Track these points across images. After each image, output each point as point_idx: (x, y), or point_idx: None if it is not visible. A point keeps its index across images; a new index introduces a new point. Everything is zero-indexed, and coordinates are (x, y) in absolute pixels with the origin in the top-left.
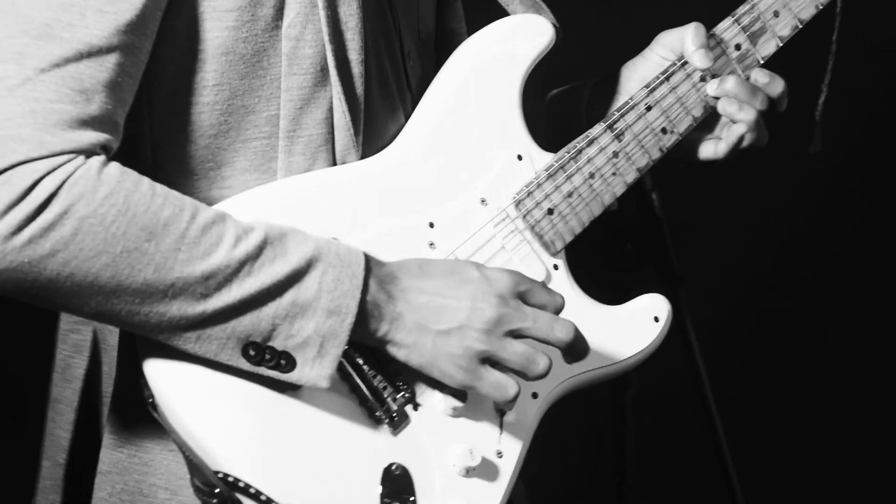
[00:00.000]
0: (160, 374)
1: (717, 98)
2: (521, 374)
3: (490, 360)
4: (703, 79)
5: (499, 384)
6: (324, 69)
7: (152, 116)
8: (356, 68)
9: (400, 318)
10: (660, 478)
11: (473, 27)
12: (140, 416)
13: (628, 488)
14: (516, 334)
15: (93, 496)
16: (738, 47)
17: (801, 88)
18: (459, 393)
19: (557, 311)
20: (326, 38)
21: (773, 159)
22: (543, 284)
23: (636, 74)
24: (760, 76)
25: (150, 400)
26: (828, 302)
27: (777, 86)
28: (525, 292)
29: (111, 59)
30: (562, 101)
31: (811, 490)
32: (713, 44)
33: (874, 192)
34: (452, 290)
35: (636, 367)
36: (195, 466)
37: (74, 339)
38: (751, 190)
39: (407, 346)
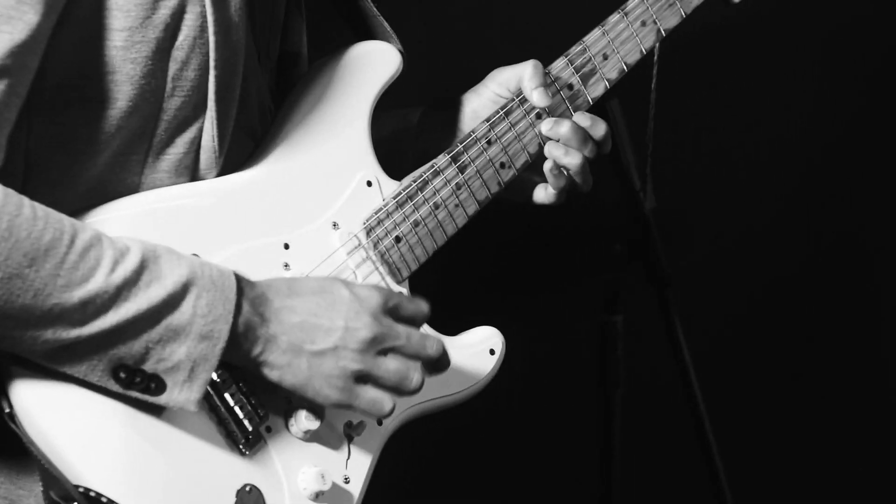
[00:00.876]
0: (23, 383)
1: (548, 138)
2: (395, 390)
3: (365, 379)
4: (538, 116)
5: (374, 401)
6: (202, 92)
7: (31, 131)
8: (234, 93)
9: (273, 339)
10: (648, 477)
11: (320, 47)
12: None
13: (616, 488)
14: (389, 352)
15: None
16: (570, 87)
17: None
18: (317, 409)
19: (424, 319)
20: (212, 62)
21: (764, 160)
22: (409, 296)
23: (468, 108)
24: (582, 119)
25: (8, 411)
26: (818, 302)
27: (599, 129)
28: (394, 307)
29: (3, 82)
30: (389, 127)
31: (800, 490)
32: (549, 82)
33: (865, 193)
34: (325, 311)
35: (624, 368)
36: (52, 478)
37: None
38: (741, 190)
39: (280, 367)
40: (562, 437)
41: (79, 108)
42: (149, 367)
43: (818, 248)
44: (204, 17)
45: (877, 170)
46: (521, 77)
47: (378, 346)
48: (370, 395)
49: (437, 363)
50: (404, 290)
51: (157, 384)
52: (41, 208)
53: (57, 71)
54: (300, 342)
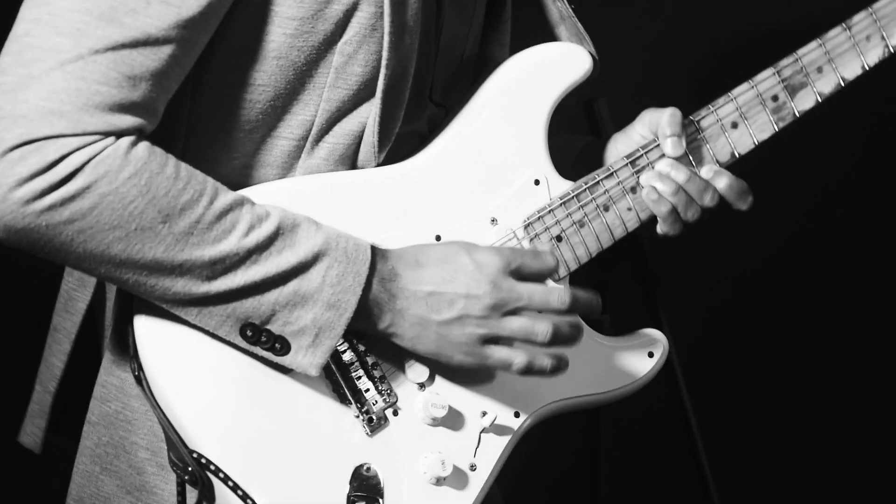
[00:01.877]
0: (152, 345)
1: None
2: (527, 345)
3: (494, 340)
4: (734, 125)
5: (504, 359)
6: (368, 87)
7: (193, 102)
8: (403, 94)
9: (401, 313)
10: (634, 476)
11: (519, 48)
12: (129, 372)
13: (603, 486)
14: (515, 312)
15: (80, 442)
16: (774, 98)
17: None
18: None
19: (550, 273)
20: (385, 62)
21: (752, 159)
22: (533, 253)
23: (614, 149)
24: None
25: (136, 374)
26: (803, 301)
27: (722, 181)
28: (517, 269)
29: (165, 51)
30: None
31: (787, 491)
32: (690, 131)
33: (851, 194)
34: (448, 282)
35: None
36: (172, 442)
37: (80, 273)
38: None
39: (411, 338)
40: (548, 435)
41: (241, 89)
42: (275, 328)
43: (804, 247)
44: (377, 17)
45: (861, 170)
46: (659, 124)
47: (501, 310)
48: (500, 353)
49: (574, 307)
50: (561, 287)
51: (282, 345)
52: (186, 168)
53: (225, 49)
54: (426, 314)
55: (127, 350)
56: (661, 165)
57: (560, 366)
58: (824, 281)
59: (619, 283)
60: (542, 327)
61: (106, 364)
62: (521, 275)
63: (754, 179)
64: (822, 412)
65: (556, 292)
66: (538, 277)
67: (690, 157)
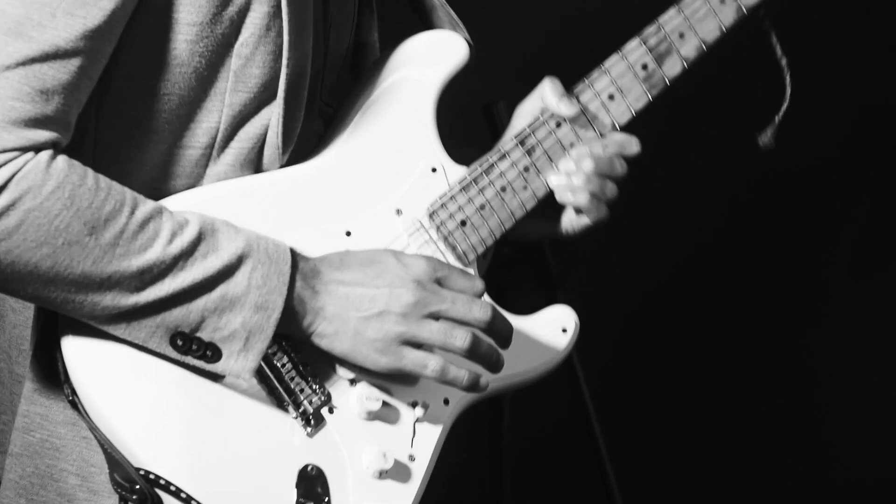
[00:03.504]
0: (84, 367)
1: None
2: (445, 349)
3: (411, 343)
4: (611, 97)
5: (418, 362)
6: (268, 89)
7: (99, 116)
8: (303, 94)
9: (322, 309)
10: (536, 478)
11: (390, 36)
12: (54, 399)
13: (506, 489)
14: (435, 316)
15: (2, 477)
16: (644, 67)
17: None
18: (379, 388)
19: (477, 294)
20: (286, 61)
21: (663, 164)
22: (462, 270)
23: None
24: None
25: (71, 398)
26: (706, 303)
27: (633, 146)
28: (442, 278)
29: (74, 62)
30: None
31: (688, 490)
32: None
33: (754, 191)
34: (371, 279)
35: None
36: (116, 462)
37: None
38: (630, 192)
39: (329, 335)
40: (452, 440)
41: (145, 98)
42: (205, 335)
43: (706, 249)
44: (270, 16)
45: (767, 173)
46: (542, 96)
47: (422, 311)
48: (414, 355)
49: (492, 327)
50: (470, 271)
51: (213, 352)
52: (104, 180)
53: (127, 60)
54: (346, 310)
55: (51, 376)
56: (565, 164)
57: (476, 386)
58: (726, 281)
59: (521, 285)
60: (461, 334)
61: (27, 393)
62: (445, 285)
63: (661, 178)
64: (723, 415)
65: (479, 303)
66: (462, 293)
67: (575, 130)
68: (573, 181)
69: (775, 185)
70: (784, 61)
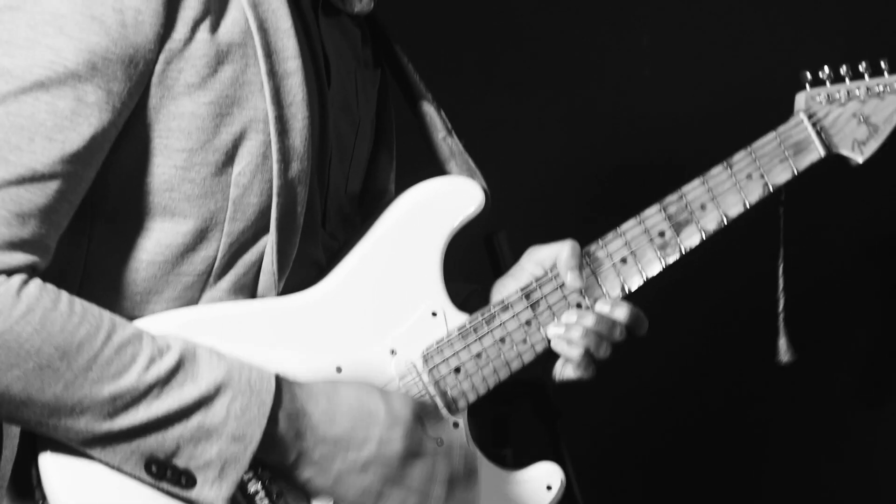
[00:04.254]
0: (56, 474)
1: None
2: (423, 498)
3: (392, 487)
4: (623, 261)
5: None
6: (265, 216)
7: (91, 236)
8: (297, 221)
9: (307, 452)
10: None
11: (410, 183)
12: None
13: None
14: (419, 462)
15: None
16: (661, 234)
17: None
18: None
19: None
20: (276, 189)
21: (668, 327)
22: (445, 418)
23: (505, 294)
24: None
25: (40, 502)
26: (709, 438)
27: (621, 312)
28: (428, 419)
29: (52, 186)
30: None
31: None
32: (586, 263)
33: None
34: (359, 427)
35: None
36: None
37: None
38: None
39: (310, 476)
40: None
41: (138, 221)
42: (180, 462)
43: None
44: (266, 145)
45: None
46: (558, 255)
47: (409, 461)
48: (394, 500)
49: (468, 478)
50: (460, 420)
51: (188, 479)
52: (80, 304)
53: (118, 183)
54: (332, 455)
55: (27, 494)
56: (567, 316)
57: None
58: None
59: (521, 416)
60: (439, 490)
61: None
62: (428, 431)
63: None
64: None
65: (458, 451)
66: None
67: (584, 291)
68: (570, 333)
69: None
70: (781, 255)
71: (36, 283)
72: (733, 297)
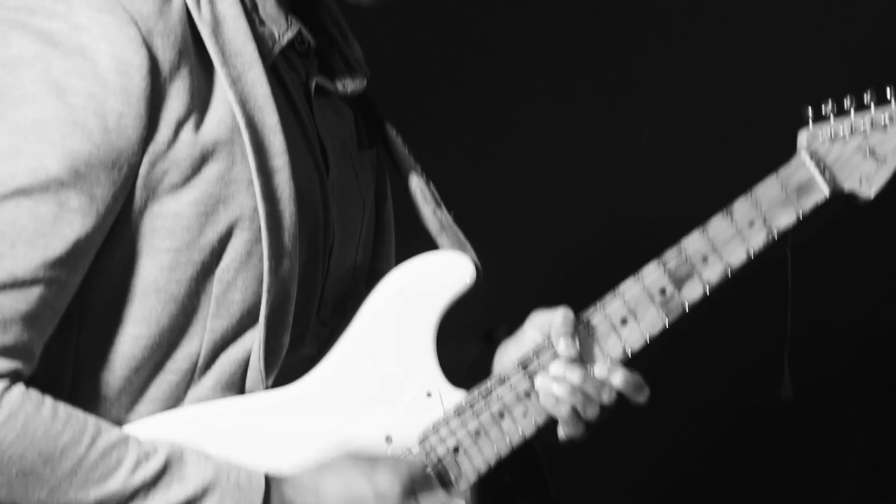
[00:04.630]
0: None
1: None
2: None
3: None
4: (623, 321)
5: None
6: (250, 314)
7: (79, 341)
8: (287, 318)
9: None
10: None
11: (400, 258)
12: None
13: None
14: None
15: None
16: (662, 292)
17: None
18: None
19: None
20: (266, 286)
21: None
22: (433, 483)
23: (507, 356)
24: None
25: None
26: None
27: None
28: (416, 491)
29: (34, 292)
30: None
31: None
32: (582, 327)
33: None
34: None
35: None
36: None
37: None
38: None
39: None
40: None
41: (124, 324)
42: None
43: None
44: (252, 242)
45: None
46: (551, 322)
47: None
48: None
49: None
50: (461, 501)
51: None
52: (64, 409)
53: (103, 287)
54: None
55: None
56: (555, 368)
57: None
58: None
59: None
60: None
61: None
62: (418, 497)
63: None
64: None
65: None
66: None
67: (583, 356)
68: (556, 389)
69: (774, 411)
70: (790, 300)
71: (19, 388)
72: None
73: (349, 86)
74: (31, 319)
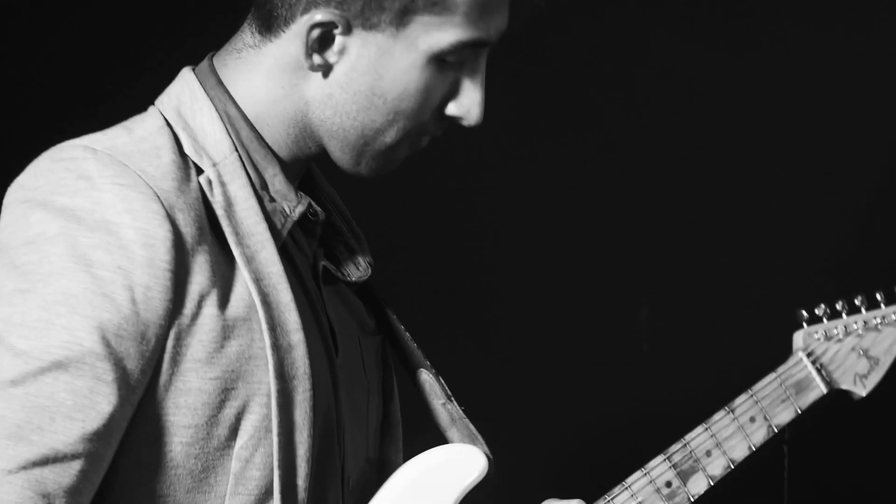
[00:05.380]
0: None
1: None
2: None
3: None
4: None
5: None
6: (268, 491)
7: None
8: (300, 495)
9: None
10: None
11: (411, 452)
12: None
13: None
14: None
15: None
16: (668, 485)
17: None
18: None
19: None
20: (276, 463)
21: None
22: None
23: None
24: None
25: None
26: None
27: None
28: None
29: (75, 466)
30: None
31: None
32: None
33: None
34: None
35: None
36: None
37: None
38: None
39: None
40: None
41: (142, 500)
42: None
43: None
44: (269, 418)
45: None
46: None
47: None
48: None
49: None
50: None
51: None
52: None
53: (125, 465)
54: None
55: None
56: None
57: None
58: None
59: None
60: None
61: None
62: None
63: None
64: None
65: None
66: None
67: None
68: None
69: None
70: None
71: None
72: None
73: (355, 274)
74: (72, 493)
